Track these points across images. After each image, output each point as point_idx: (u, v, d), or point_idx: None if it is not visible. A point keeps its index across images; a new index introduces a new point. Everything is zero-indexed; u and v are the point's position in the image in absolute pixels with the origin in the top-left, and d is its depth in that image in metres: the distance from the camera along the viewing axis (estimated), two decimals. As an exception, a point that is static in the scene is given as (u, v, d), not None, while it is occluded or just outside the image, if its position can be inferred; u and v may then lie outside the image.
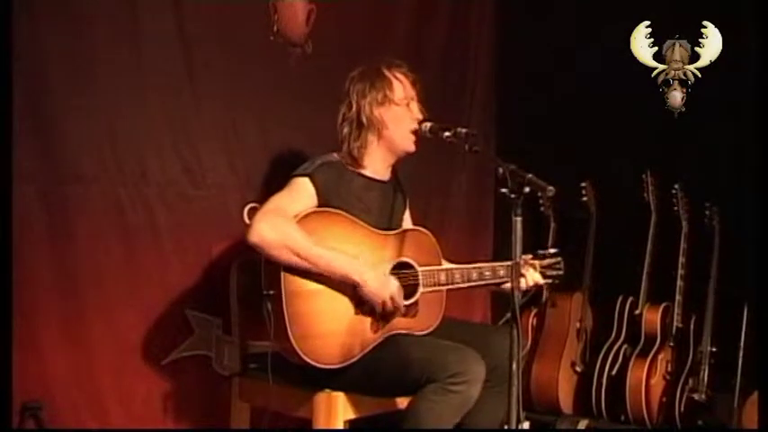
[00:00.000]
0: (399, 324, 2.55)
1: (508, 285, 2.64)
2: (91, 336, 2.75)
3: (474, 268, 2.66)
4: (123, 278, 2.83)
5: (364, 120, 2.62)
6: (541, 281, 2.78)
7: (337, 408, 2.50)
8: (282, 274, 2.40)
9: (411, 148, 2.68)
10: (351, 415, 2.54)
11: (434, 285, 2.59)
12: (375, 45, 3.43)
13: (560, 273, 2.85)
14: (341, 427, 2.52)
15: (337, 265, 2.43)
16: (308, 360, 2.39)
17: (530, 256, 2.76)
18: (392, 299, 2.48)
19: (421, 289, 2.56)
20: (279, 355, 2.53)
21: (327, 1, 3.29)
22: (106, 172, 2.79)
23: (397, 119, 2.64)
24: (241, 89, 3.10)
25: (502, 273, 2.67)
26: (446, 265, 2.69)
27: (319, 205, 2.53)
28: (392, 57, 2.75)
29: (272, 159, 3.14)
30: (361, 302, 2.48)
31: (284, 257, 2.39)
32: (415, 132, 2.65)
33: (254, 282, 2.52)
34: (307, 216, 2.47)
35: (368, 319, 2.50)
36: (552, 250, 2.87)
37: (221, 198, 3.05)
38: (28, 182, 2.61)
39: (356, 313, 2.48)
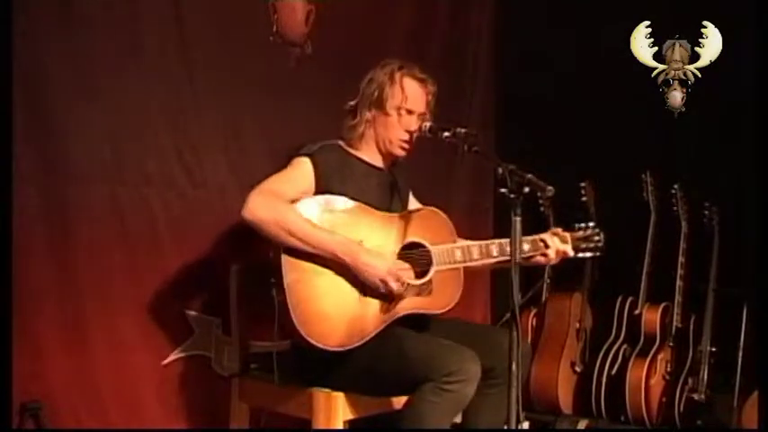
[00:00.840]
0: (413, 304, 2.52)
1: (537, 258, 2.66)
2: (90, 336, 2.75)
3: (493, 244, 2.62)
4: (123, 278, 2.82)
5: (358, 112, 2.65)
6: (571, 253, 2.73)
7: (337, 408, 2.50)
8: (283, 258, 2.39)
9: (397, 153, 2.68)
10: (350, 415, 2.54)
11: (450, 263, 2.56)
12: (375, 45, 3.42)
13: (600, 245, 2.80)
14: (340, 427, 2.52)
15: (330, 244, 2.42)
16: (315, 343, 2.37)
17: (560, 229, 2.75)
18: (391, 274, 2.44)
19: (434, 267, 2.54)
20: (280, 354, 2.53)
21: (327, 1, 3.29)
22: (106, 172, 2.79)
23: (384, 124, 2.65)
24: (241, 89, 3.10)
25: (526, 247, 2.64)
26: (461, 242, 2.65)
27: (318, 188, 2.53)
28: (394, 57, 2.74)
29: (271, 159, 3.13)
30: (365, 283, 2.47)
31: (276, 235, 2.38)
32: (406, 141, 2.65)
33: (253, 282, 2.52)
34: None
35: (376, 300, 2.47)
36: (591, 223, 2.82)
37: (221, 198, 3.05)
38: (28, 182, 2.61)
39: (364, 294, 2.46)
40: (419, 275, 2.54)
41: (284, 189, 2.47)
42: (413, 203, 2.85)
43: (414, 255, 2.55)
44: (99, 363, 2.76)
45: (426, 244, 2.55)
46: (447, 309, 2.58)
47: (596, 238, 2.81)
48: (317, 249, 2.41)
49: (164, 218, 2.92)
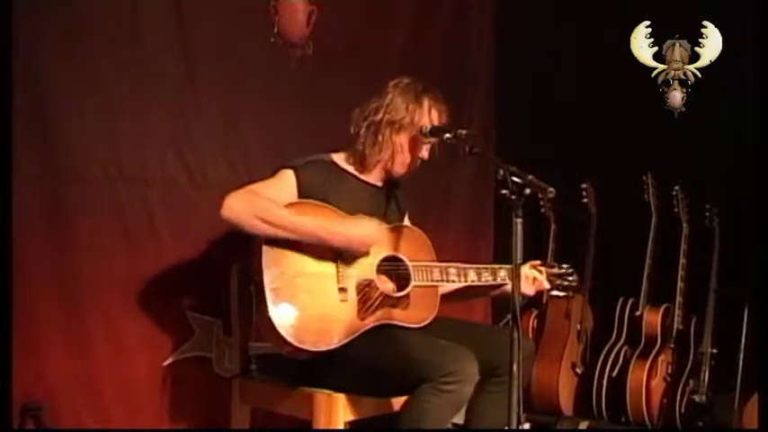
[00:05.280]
0: (391, 315, 2.53)
1: (509, 288, 2.64)
2: (91, 336, 2.75)
3: (472, 268, 2.65)
4: (123, 279, 2.82)
5: (380, 137, 2.60)
6: (546, 285, 2.72)
7: (338, 409, 2.49)
8: (264, 249, 2.40)
9: (405, 174, 2.69)
10: (351, 416, 2.54)
11: (427, 281, 2.58)
12: (376, 46, 3.42)
13: (573, 284, 2.80)
14: (341, 428, 2.52)
15: (308, 226, 2.42)
16: (287, 337, 2.36)
17: (538, 262, 2.75)
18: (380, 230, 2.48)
19: (413, 282, 2.55)
20: (277, 355, 2.53)
21: (328, 2, 3.29)
22: (106, 172, 2.79)
23: (413, 148, 2.62)
24: (242, 90, 3.10)
25: (502, 274, 2.66)
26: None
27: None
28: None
29: (272, 160, 3.13)
30: (345, 282, 2.47)
31: (257, 227, 2.39)
32: (414, 163, 2.65)
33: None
34: (298, 203, 2.47)
35: (354, 306, 2.48)
36: (565, 265, 2.82)
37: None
38: (28, 182, 2.61)
39: (342, 300, 2.47)
40: (398, 289, 2.55)
41: (264, 192, 2.47)
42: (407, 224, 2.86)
43: (393, 268, 2.56)
44: (100, 363, 2.76)
45: (405, 259, 2.56)
46: (421, 325, 2.57)
47: (570, 278, 2.80)
48: (296, 233, 2.41)
49: (164, 218, 2.92)
